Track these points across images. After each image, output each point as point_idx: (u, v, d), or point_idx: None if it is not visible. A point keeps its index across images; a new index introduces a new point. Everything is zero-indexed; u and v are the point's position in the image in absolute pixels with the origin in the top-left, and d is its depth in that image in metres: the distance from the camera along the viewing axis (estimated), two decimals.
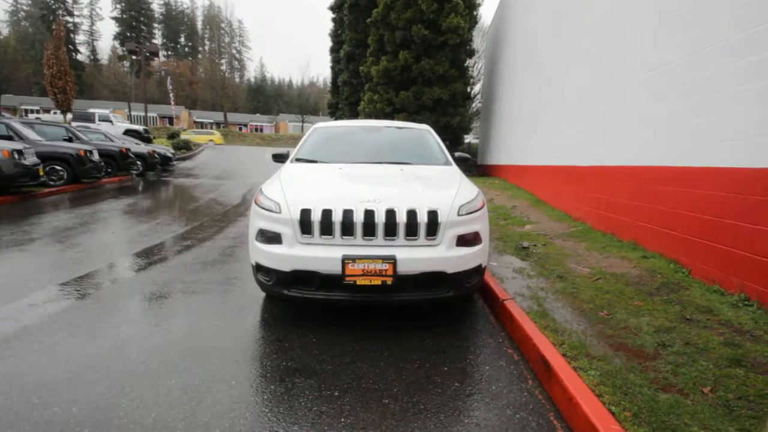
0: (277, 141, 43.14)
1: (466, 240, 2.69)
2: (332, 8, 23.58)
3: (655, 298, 3.28)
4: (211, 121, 54.15)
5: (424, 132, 4.37)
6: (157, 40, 63.50)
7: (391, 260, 2.46)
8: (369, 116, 15.04)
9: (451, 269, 2.60)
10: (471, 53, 14.76)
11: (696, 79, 3.69)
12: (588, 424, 1.72)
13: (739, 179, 3.07)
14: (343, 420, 1.86)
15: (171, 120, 43.75)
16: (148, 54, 29.29)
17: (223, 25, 68.43)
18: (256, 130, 55.06)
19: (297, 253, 2.54)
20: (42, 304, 3.04)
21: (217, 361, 2.34)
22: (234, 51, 69.86)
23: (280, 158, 4.09)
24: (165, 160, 16.10)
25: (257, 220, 2.76)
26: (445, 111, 14.49)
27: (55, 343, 2.47)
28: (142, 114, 29.50)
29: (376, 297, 2.58)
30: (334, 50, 23.54)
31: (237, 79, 69.71)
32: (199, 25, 70.05)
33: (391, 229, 2.53)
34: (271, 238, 2.67)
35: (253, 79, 72.27)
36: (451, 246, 2.63)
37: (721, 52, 3.40)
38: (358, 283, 2.47)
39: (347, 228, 2.53)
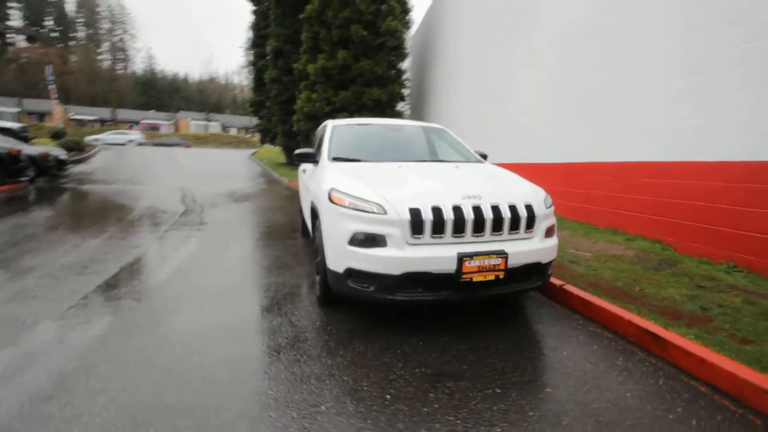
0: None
1: (549, 231, 2.87)
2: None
3: (663, 272, 3.85)
4: (94, 117, 46.75)
5: (442, 130, 4.46)
6: (17, 22, 52.77)
7: (504, 255, 2.51)
8: (307, 116, 14.59)
9: (544, 259, 2.75)
10: (404, 56, 15.21)
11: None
12: (732, 376, 2.01)
13: (731, 171, 3.77)
14: (531, 412, 1.88)
15: (41, 116, 36.68)
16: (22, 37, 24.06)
17: (100, 9, 59.67)
18: (151, 128, 49.19)
19: (409, 255, 2.43)
20: None
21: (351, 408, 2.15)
22: (116, 39, 61.41)
23: (305, 158, 3.82)
24: (59, 164, 13.57)
25: (348, 223, 2.57)
26: (384, 112, 14.70)
27: None
28: (2, 109, 24.26)
29: (485, 292, 2.60)
30: (256, 44, 22.15)
31: (120, 71, 61.41)
32: (71, 7, 60.04)
33: (497, 224, 2.58)
34: (372, 241, 2.51)
35: (140, 72, 64.33)
36: (542, 237, 2.78)
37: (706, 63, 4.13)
38: (474, 279, 2.47)
39: (458, 226, 2.51)
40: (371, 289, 2.52)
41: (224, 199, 9.66)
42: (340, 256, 2.62)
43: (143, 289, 3.47)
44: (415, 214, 2.46)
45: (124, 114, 51.28)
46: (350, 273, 2.56)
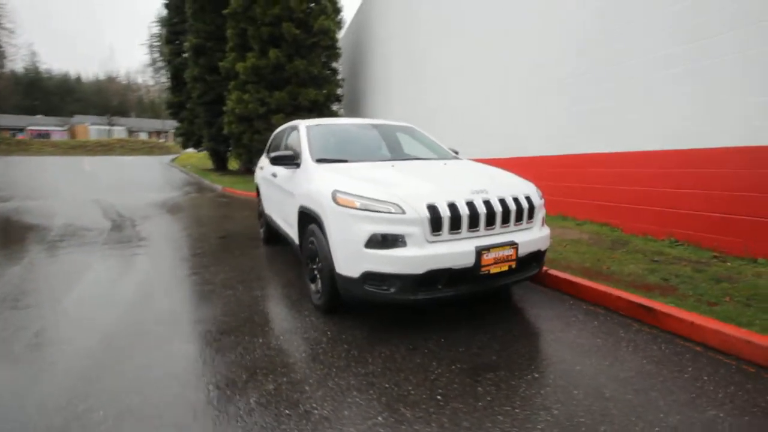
0: (78, 149, 34.53)
1: (543, 220, 3.05)
2: None
3: (619, 251, 4.30)
4: None
5: (413, 129, 4.50)
6: None
7: (515, 245, 2.62)
8: (240, 118, 13.78)
9: (543, 247, 2.92)
10: (338, 56, 15.07)
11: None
12: (719, 334, 2.33)
13: (669, 159, 4.33)
14: (576, 391, 1.98)
15: None
16: None
17: None
18: (40, 135, 42.73)
19: (430, 253, 2.42)
20: None
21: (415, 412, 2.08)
22: None
23: (284, 160, 3.61)
24: None
25: (363, 225, 2.48)
26: (321, 112, 14.43)
27: None
28: None
29: (497, 283, 2.68)
30: (170, 41, 20.24)
31: None
32: None
33: (506, 216, 2.68)
34: (390, 241, 2.45)
35: (21, 71, 55.56)
36: (539, 226, 2.95)
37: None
38: (492, 271, 2.54)
39: (473, 220, 2.55)
40: (392, 290, 2.47)
41: (155, 211, 8.75)
42: (354, 260, 2.52)
43: (100, 324, 3.01)
44: (434, 211, 2.46)
45: (4, 120, 43.73)
46: (367, 276, 2.48)
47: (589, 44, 5.21)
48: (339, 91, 15.04)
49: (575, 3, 5.38)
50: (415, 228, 2.44)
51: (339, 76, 15.13)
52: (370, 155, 3.71)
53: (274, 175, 4.28)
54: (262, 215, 5.62)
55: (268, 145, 5.74)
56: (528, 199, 2.84)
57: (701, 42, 3.96)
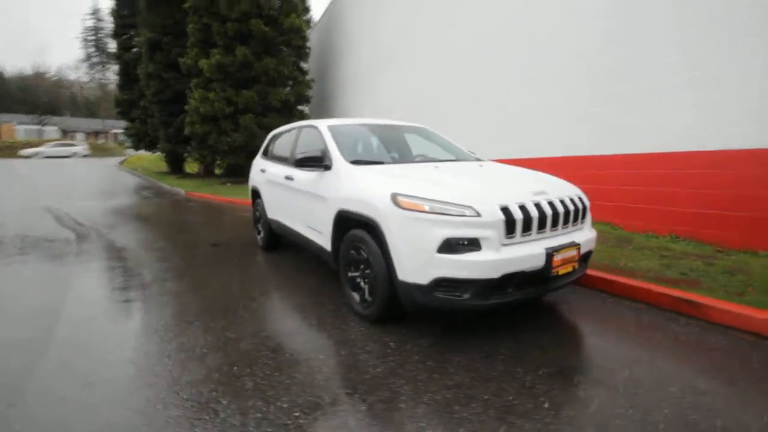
0: (4, 150, 30.93)
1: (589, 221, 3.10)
2: None
3: (627, 248, 4.51)
4: None
5: (428, 130, 4.42)
6: None
7: (578, 246, 2.63)
8: (204, 117, 13.00)
9: (593, 246, 2.97)
10: (307, 55, 14.69)
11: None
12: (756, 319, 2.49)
13: (668, 161, 4.60)
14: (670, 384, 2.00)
15: None
16: None
17: None
18: None
19: (506, 256, 2.35)
20: None
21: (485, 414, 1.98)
22: None
23: (310, 162, 3.40)
24: None
25: (435, 230, 2.36)
26: (291, 114, 14.00)
27: None
28: None
29: (559, 284, 2.67)
30: (119, 34, 18.61)
31: None
32: None
33: (566, 217, 2.68)
34: (465, 245, 2.35)
35: None
36: (589, 227, 2.99)
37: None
38: (560, 273, 2.53)
39: (541, 222, 2.52)
40: (465, 296, 2.37)
41: (119, 219, 7.98)
42: (423, 266, 2.39)
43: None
44: (507, 213, 2.40)
45: None
46: (439, 283, 2.37)
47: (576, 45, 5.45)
48: (309, 92, 14.66)
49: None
50: (491, 231, 2.37)
51: (308, 77, 14.75)
52: (402, 156, 3.60)
53: (289, 178, 4.03)
54: (259, 220, 5.29)
55: (264, 146, 5.42)
56: (581, 199, 2.87)
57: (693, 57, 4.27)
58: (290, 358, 2.38)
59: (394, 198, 2.53)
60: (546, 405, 1.90)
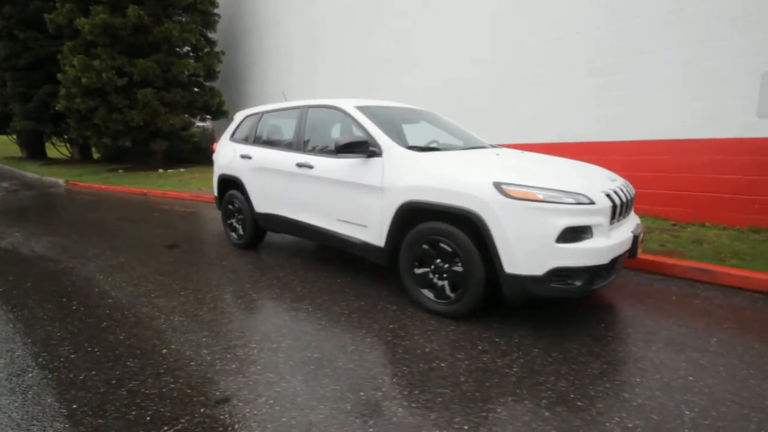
0: None
1: None
2: None
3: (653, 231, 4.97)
4: None
5: (436, 114, 4.26)
6: None
7: (642, 230, 2.82)
8: (88, 90, 10.55)
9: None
10: (215, 23, 12.93)
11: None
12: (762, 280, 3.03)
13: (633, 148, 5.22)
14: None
15: None
16: None
17: None
18: None
19: (613, 242, 2.39)
20: None
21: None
22: None
23: (355, 147, 2.99)
24: None
25: (553, 219, 2.27)
26: (201, 89, 12.30)
27: None
28: None
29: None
30: None
31: None
32: None
33: (631, 203, 2.85)
34: (579, 233, 2.33)
35: None
36: (634, 215, 3.22)
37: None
38: (639, 256, 2.69)
39: (625, 208, 2.64)
40: (578, 284, 2.35)
41: None
42: (540, 257, 2.29)
43: None
44: (611, 200, 2.45)
45: None
46: (555, 273, 2.31)
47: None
48: (218, 66, 12.98)
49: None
50: (602, 218, 2.38)
51: (217, 48, 13.04)
52: (446, 143, 3.40)
53: (304, 166, 3.50)
54: (232, 216, 4.55)
55: (234, 128, 4.62)
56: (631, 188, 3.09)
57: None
58: (425, 368, 2.08)
59: (499, 187, 2.37)
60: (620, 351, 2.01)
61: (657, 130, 5.06)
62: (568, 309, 2.85)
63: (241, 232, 4.47)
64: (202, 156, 14.04)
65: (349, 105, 3.41)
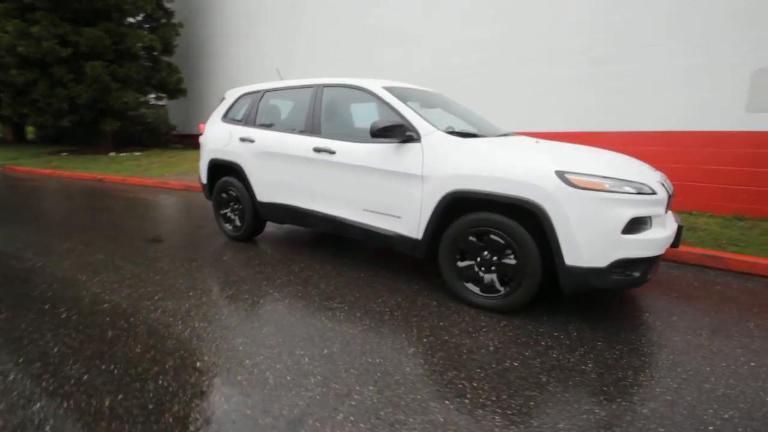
0: None
1: None
2: None
3: None
4: None
5: (446, 97, 4.05)
6: None
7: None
8: (25, 60, 9.21)
9: None
10: None
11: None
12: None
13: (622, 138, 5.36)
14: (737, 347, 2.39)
15: None
16: None
17: None
18: None
19: (668, 232, 2.38)
20: None
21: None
22: None
23: (390, 132, 2.75)
24: None
25: (620, 209, 2.19)
26: (157, 63, 11.21)
27: None
28: None
29: None
30: None
31: None
32: None
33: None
34: (641, 224, 2.29)
35: None
36: None
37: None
38: (681, 248, 2.71)
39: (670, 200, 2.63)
40: (636, 275, 2.32)
41: None
42: (605, 248, 2.21)
43: None
44: (666, 190, 2.42)
45: None
46: (618, 264, 2.25)
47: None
48: (175, 41, 11.89)
49: None
50: (660, 208, 2.36)
51: (175, 20, 11.90)
52: (483, 129, 3.24)
53: (323, 151, 3.20)
54: (226, 205, 4.15)
55: (227, 108, 4.18)
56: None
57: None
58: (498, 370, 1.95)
59: (563, 176, 2.26)
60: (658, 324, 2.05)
61: (653, 120, 5.23)
62: (600, 298, 2.84)
63: (237, 223, 4.09)
64: (157, 139, 12.87)
65: (376, 86, 3.14)
